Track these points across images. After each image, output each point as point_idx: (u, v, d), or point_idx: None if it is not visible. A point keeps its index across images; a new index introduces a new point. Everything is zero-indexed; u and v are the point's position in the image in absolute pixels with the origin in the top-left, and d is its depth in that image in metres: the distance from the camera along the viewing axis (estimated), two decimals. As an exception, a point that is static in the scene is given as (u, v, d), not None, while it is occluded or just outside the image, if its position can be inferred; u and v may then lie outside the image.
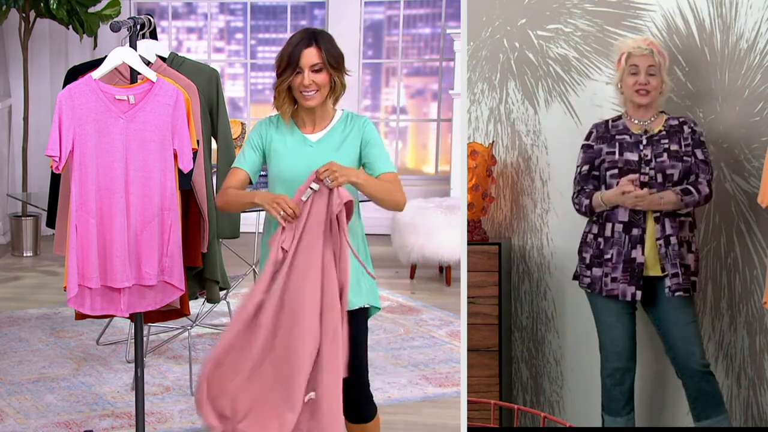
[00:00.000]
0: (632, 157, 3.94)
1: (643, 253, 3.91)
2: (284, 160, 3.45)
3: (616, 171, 3.95)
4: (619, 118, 4.03)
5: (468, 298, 4.13)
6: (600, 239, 3.97)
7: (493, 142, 4.35)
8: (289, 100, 3.46)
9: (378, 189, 3.38)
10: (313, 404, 3.32)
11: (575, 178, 4.05)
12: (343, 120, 3.49)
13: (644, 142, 3.95)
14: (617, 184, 3.93)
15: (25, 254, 7.65)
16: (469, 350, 4.12)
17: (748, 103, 4.12)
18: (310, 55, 3.38)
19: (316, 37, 3.41)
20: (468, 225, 4.33)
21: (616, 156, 3.96)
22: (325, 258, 3.32)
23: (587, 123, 4.12)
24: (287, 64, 3.40)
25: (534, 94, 4.34)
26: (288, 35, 8.58)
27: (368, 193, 3.38)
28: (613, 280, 3.93)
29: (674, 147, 3.94)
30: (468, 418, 3.25)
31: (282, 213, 3.30)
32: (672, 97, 4.16)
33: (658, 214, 3.91)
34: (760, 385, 4.16)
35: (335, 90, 3.45)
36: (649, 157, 3.93)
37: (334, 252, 3.32)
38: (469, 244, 4.22)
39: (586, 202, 3.97)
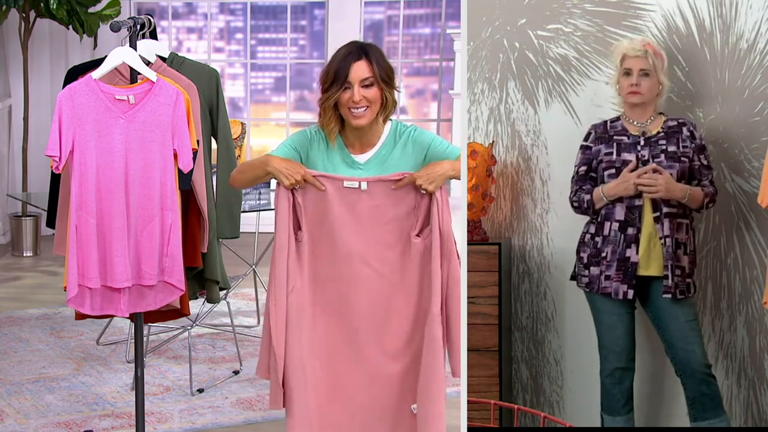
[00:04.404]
0: (630, 157, 3.94)
1: (637, 253, 3.92)
2: None
3: (613, 171, 3.96)
4: (618, 119, 4.04)
5: (468, 298, 4.12)
6: (597, 238, 3.98)
7: (493, 142, 4.35)
8: (336, 118, 3.25)
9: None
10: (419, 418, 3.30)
11: (573, 177, 4.07)
12: (392, 134, 3.31)
13: (642, 143, 3.96)
14: None
15: (25, 254, 7.65)
16: (469, 350, 4.12)
17: (748, 103, 4.12)
18: (361, 69, 3.19)
19: (366, 50, 3.22)
20: (468, 225, 4.32)
21: (614, 156, 3.96)
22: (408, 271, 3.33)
23: (587, 123, 4.13)
24: (334, 79, 3.19)
25: (534, 94, 4.34)
26: (288, 35, 8.63)
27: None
28: (607, 278, 3.94)
29: (672, 148, 3.95)
30: (468, 418, 3.24)
31: (293, 180, 3.22)
32: (672, 97, 4.16)
33: (658, 213, 3.92)
34: (760, 385, 4.16)
35: (386, 107, 3.25)
36: (646, 158, 3.94)
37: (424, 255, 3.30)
38: (469, 244, 4.22)
39: (587, 197, 3.98)
